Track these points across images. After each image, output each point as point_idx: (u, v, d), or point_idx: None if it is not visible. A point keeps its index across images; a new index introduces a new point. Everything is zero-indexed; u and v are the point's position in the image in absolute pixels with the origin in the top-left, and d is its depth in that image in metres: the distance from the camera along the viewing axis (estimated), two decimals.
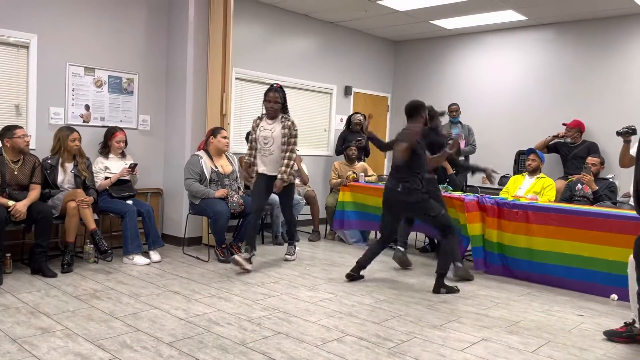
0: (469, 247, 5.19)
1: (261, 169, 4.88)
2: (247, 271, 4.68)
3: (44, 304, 3.61)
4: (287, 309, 3.73)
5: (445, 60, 8.24)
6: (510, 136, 7.39)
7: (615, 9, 6.29)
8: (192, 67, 5.58)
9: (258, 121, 4.91)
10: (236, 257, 4.67)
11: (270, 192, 4.96)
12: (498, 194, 5.67)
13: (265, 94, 4.79)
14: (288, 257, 5.25)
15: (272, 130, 4.79)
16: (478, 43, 7.87)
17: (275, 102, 4.76)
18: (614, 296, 4.27)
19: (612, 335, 3.36)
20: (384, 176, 7.48)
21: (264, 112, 4.86)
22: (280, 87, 4.83)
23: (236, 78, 6.53)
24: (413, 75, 8.60)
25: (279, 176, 4.73)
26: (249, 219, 4.95)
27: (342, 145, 6.96)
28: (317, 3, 6.74)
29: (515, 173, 6.66)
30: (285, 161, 4.74)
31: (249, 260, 4.70)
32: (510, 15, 6.86)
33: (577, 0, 6.10)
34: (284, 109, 4.86)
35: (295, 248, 5.35)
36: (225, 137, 5.23)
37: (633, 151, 4.46)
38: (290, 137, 4.76)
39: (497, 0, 6.27)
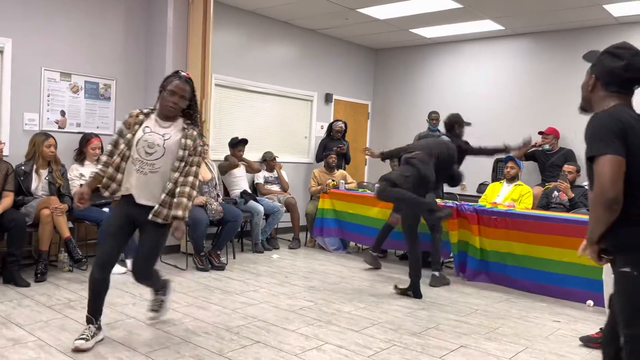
0: (451, 254, 5.23)
1: (126, 189, 3.06)
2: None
3: (16, 314, 3.51)
4: (266, 318, 3.69)
5: (424, 69, 8.31)
6: (488, 144, 7.45)
7: (590, 20, 6.42)
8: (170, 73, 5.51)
9: (142, 117, 3.13)
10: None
11: (133, 231, 3.16)
12: (477, 201, 5.72)
13: (167, 82, 3.11)
14: (152, 314, 3.45)
15: (166, 136, 3.05)
16: (457, 52, 7.95)
17: (182, 97, 3.06)
18: (590, 302, 4.33)
19: (588, 341, 3.39)
20: (364, 183, 7.49)
21: (157, 106, 3.14)
22: (190, 78, 3.17)
23: (216, 84, 6.48)
24: (393, 83, 8.66)
25: (176, 213, 2.98)
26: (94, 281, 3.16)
27: (323, 153, 6.96)
28: (297, 10, 6.74)
29: (493, 180, 6.73)
30: (187, 189, 3.01)
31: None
32: (488, 25, 6.96)
33: (553, 11, 6.22)
34: (190, 112, 3.16)
35: (161, 303, 3.43)
36: (203, 145, 5.17)
37: None
38: (193, 155, 3.07)
39: (475, 11, 6.35)
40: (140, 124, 3.11)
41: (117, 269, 4.71)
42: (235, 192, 6.11)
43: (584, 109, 2.13)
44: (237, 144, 6.23)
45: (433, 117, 7.06)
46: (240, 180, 6.28)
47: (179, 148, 3.05)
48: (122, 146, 3.08)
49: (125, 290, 4.23)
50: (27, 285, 4.15)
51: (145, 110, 3.19)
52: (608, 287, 3.29)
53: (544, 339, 3.52)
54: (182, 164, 3.05)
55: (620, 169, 1.82)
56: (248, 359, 2.95)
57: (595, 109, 2.02)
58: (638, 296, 1.89)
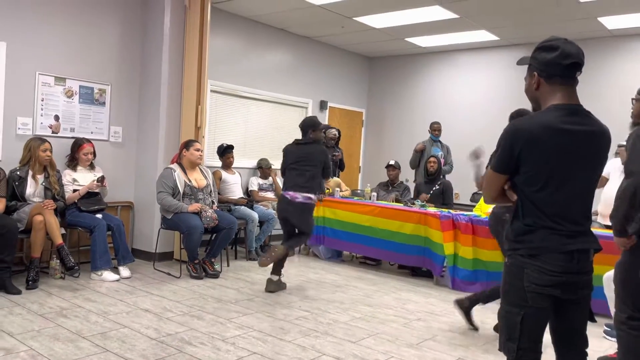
0: (445, 264, 5.21)
1: None
2: None
3: (7, 322, 3.45)
4: (262, 328, 3.66)
5: (419, 77, 8.34)
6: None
7: (585, 32, 6.47)
8: (166, 79, 5.49)
9: None
10: None
11: None
12: (471, 210, 5.72)
13: None
14: None
15: None
16: (452, 61, 7.99)
17: None
18: None
19: None
20: (358, 191, 7.48)
21: None
22: None
23: (211, 90, 6.46)
24: (387, 91, 8.68)
25: None
26: None
27: None
28: (294, 17, 6.74)
29: None
30: None
31: None
32: (483, 35, 7.00)
33: (548, 23, 6.27)
34: None
35: None
36: (198, 150, 5.14)
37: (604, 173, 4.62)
38: None
39: (470, 21, 6.38)
40: None
41: (111, 276, 4.68)
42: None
43: (535, 110, 2.18)
44: (225, 151, 6.22)
45: (435, 128, 7.09)
46: (235, 187, 6.24)
47: None
48: None
49: (118, 298, 4.17)
50: (19, 292, 4.09)
51: None
52: (612, 303, 3.26)
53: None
54: None
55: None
56: None
57: (543, 105, 2.05)
58: None
